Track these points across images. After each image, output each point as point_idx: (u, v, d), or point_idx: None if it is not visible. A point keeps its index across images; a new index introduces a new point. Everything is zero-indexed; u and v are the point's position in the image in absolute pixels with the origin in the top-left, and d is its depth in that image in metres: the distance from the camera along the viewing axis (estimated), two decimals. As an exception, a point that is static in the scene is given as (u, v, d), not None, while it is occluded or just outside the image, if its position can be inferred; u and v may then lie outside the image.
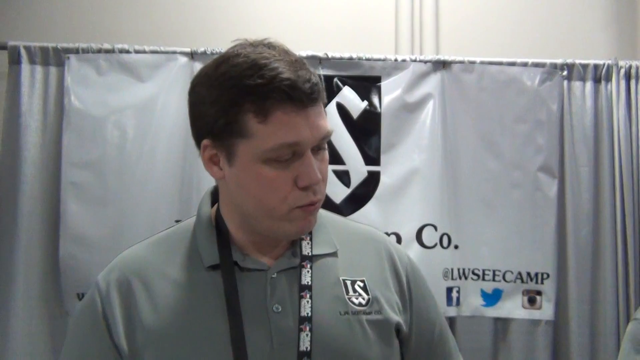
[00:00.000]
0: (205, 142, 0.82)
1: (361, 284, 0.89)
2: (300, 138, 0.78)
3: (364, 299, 0.88)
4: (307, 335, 0.82)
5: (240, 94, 0.77)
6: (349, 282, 0.89)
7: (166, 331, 0.82)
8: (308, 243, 0.89)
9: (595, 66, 2.23)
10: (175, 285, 0.85)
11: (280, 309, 0.84)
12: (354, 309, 0.87)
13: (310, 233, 0.90)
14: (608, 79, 2.22)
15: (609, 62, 2.22)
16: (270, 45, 0.81)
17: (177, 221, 2.04)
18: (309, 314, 0.83)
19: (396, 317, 0.90)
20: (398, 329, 0.90)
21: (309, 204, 0.81)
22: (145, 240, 0.93)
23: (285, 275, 0.86)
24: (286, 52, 0.81)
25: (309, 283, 0.85)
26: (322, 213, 0.95)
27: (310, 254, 0.88)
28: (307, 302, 0.84)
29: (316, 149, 0.82)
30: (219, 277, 0.84)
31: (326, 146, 0.84)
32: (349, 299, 0.87)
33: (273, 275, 0.86)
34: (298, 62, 0.79)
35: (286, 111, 0.77)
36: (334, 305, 0.86)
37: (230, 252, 0.86)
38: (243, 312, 0.82)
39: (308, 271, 0.86)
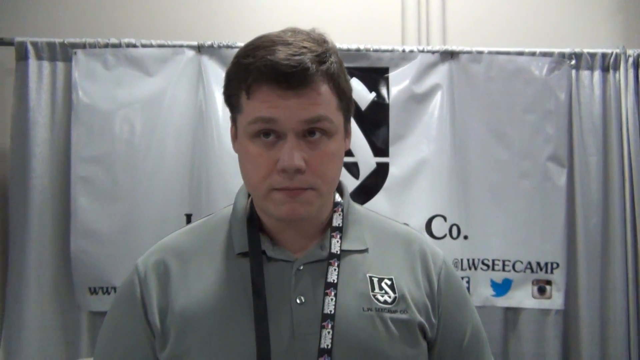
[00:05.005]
0: (231, 117, 0.88)
1: (389, 282, 0.89)
2: (275, 115, 0.79)
3: (390, 297, 0.87)
4: (328, 332, 0.82)
5: (237, 71, 0.83)
6: (375, 280, 0.88)
7: (192, 313, 0.84)
8: (337, 241, 0.89)
9: (603, 55, 2.21)
10: (208, 270, 0.87)
11: (303, 301, 0.84)
12: (378, 306, 0.86)
13: (341, 230, 0.90)
14: (616, 67, 2.21)
15: (617, 50, 2.20)
16: (295, 30, 0.84)
17: (188, 215, 2.08)
18: (332, 312, 0.83)
19: (422, 318, 0.88)
20: (424, 331, 0.89)
21: (284, 189, 0.81)
22: (184, 228, 0.96)
23: (312, 268, 0.87)
24: (297, 34, 0.83)
25: (335, 281, 0.85)
26: (361, 210, 0.97)
27: (338, 252, 0.88)
28: (331, 299, 0.84)
29: (308, 136, 0.81)
30: (247, 265, 0.86)
31: (330, 137, 0.82)
32: (374, 296, 0.87)
33: (300, 268, 0.86)
34: (296, 46, 0.80)
35: (269, 89, 0.79)
36: (358, 302, 0.86)
37: (259, 241, 0.87)
38: (268, 301, 0.83)
39: (335, 269, 0.86)
